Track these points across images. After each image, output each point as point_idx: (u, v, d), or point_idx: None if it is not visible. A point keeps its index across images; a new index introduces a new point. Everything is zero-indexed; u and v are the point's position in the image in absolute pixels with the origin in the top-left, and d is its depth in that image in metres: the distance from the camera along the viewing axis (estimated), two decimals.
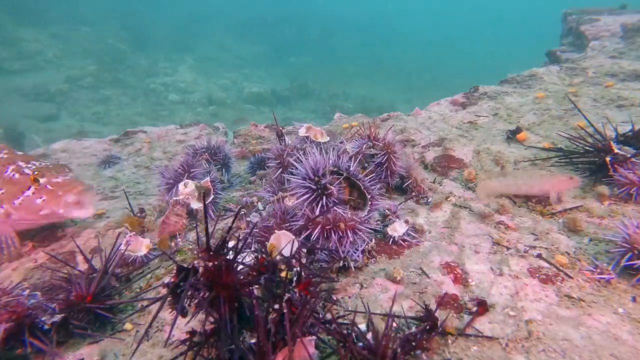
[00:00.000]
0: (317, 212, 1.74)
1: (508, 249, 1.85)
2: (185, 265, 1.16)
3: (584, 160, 2.40)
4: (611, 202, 2.14)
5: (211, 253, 1.12)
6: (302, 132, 2.37)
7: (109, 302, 1.64)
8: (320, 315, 1.32)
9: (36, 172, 2.04)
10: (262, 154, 2.86)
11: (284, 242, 1.55)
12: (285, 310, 1.10)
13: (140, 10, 20.89)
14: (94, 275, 1.70)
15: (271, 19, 24.66)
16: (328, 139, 2.37)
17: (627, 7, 6.11)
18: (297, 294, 1.18)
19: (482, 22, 34.49)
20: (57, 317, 1.50)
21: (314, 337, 1.15)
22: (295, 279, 1.22)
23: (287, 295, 1.15)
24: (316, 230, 1.69)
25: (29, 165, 2.09)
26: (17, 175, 2.06)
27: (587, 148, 2.37)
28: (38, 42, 14.56)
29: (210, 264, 1.10)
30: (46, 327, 1.48)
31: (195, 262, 1.13)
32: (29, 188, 2.02)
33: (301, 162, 1.87)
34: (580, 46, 5.46)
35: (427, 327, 1.30)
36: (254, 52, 20.59)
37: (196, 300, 1.11)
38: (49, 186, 2.02)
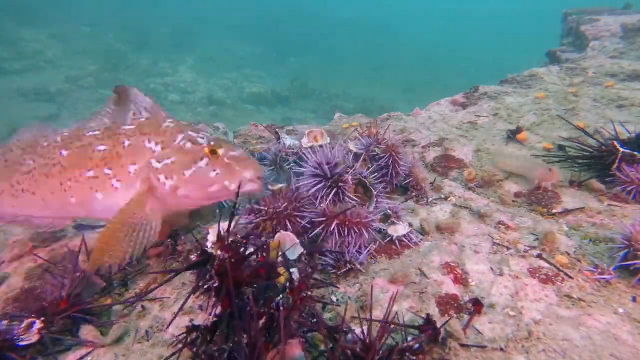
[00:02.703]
0: (330, 202, 1.73)
1: (508, 249, 1.85)
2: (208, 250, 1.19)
3: (587, 161, 2.39)
4: (611, 201, 2.14)
5: (230, 245, 1.16)
6: (304, 142, 2.30)
7: (89, 305, 1.63)
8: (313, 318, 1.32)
9: (212, 143, 1.73)
10: (261, 154, 2.85)
11: (287, 243, 1.54)
12: (273, 311, 1.12)
13: (140, 10, 20.90)
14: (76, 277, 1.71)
15: (271, 18, 24.66)
16: (328, 140, 2.35)
17: (632, 7, 6.10)
18: (290, 299, 1.18)
19: (482, 22, 34.50)
20: (34, 331, 1.47)
21: (301, 339, 1.15)
22: (287, 284, 1.22)
23: (278, 299, 1.17)
24: (332, 226, 1.68)
25: (200, 135, 1.79)
26: (189, 145, 1.74)
27: (589, 150, 2.37)
28: (38, 42, 14.57)
29: (227, 255, 1.13)
30: (22, 343, 1.43)
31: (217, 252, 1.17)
32: (201, 159, 1.71)
33: (304, 161, 1.87)
34: (580, 46, 5.46)
35: (424, 340, 1.28)
36: (254, 52, 20.60)
37: (205, 286, 1.13)
38: (226, 159, 1.72)
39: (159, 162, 1.72)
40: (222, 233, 1.17)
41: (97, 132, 1.85)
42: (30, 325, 1.48)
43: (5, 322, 1.59)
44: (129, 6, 20.61)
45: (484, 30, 31.16)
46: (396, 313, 1.49)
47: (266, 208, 1.78)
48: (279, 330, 1.07)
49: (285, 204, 1.78)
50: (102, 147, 1.79)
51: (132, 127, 1.81)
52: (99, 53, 15.25)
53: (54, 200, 1.90)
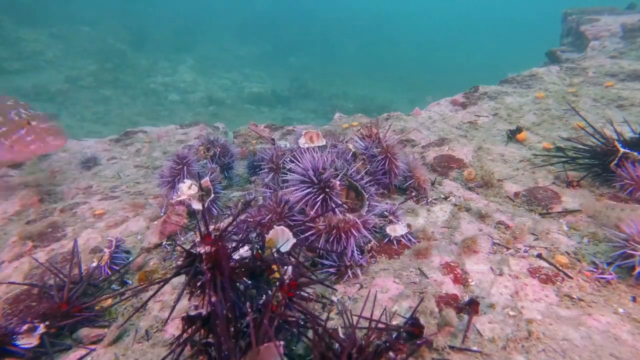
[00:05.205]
0: (318, 208, 1.71)
1: (508, 248, 1.85)
2: (193, 251, 1.18)
3: (588, 161, 2.39)
4: (610, 201, 2.14)
5: (212, 238, 1.15)
6: (301, 142, 2.33)
7: (86, 305, 1.66)
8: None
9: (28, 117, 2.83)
10: (260, 154, 2.85)
11: (281, 237, 1.54)
12: (249, 312, 1.12)
13: (140, 10, 20.91)
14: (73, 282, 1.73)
15: (271, 18, 24.66)
16: (324, 142, 2.32)
17: (636, 7, 6.09)
18: (281, 297, 1.17)
19: (483, 22, 34.52)
20: (36, 336, 1.48)
21: (282, 343, 1.14)
22: (278, 284, 1.21)
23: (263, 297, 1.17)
24: (322, 239, 1.67)
25: (25, 112, 2.85)
26: (16, 118, 2.82)
27: (590, 150, 2.36)
28: (38, 42, 14.56)
29: (210, 248, 1.13)
30: (24, 346, 1.45)
31: (199, 248, 1.16)
32: (23, 128, 2.78)
33: (297, 160, 1.86)
34: (580, 46, 5.46)
35: (407, 337, 1.28)
36: (254, 52, 20.59)
37: (199, 283, 1.13)
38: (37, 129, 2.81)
39: None
40: (203, 232, 1.17)
41: None
42: (34, 329, 1.49)
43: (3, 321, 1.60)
44: (129, 6, 20.59)
45: (484, 30, 31.17)
46: (395, 313, 1.49)
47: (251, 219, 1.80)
48: (257, 332, 1.07)
49: (270, 215, 1.79)
50: None
51: None
52: (99, 53, 15.24)
53: None
